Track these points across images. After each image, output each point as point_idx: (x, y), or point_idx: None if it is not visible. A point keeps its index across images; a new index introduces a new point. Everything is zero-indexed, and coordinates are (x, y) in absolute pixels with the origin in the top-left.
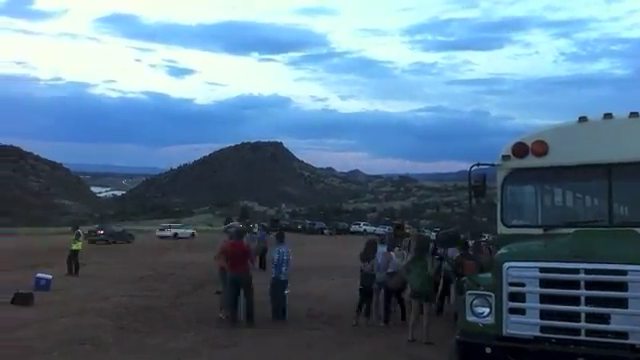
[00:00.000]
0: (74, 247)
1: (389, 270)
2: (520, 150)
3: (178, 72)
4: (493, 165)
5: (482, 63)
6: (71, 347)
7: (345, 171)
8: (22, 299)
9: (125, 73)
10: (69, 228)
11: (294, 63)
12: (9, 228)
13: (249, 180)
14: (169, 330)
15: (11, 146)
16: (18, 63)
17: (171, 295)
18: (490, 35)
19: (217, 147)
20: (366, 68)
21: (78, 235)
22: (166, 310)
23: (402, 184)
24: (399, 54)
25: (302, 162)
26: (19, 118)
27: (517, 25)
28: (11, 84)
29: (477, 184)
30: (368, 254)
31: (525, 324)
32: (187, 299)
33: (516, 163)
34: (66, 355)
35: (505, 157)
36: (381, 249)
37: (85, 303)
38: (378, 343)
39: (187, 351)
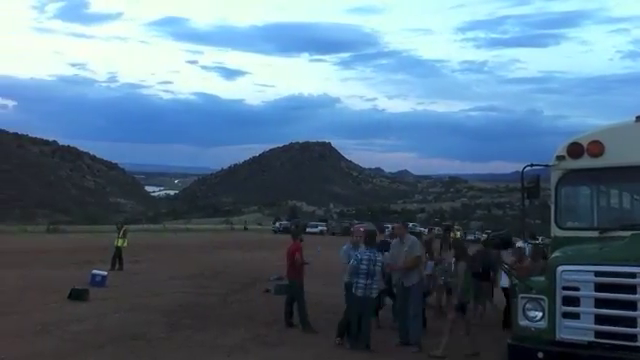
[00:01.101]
0: (119, 244)
1: (427, 272)
2: (575, 150)
3: (229, 73)
4: (547, 166)
5: (535, 61)
6: (124, 342)
7: (393, 171)
8: (78, 294)
9: (178, 75)
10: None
11: (343, 63)
12: (67, 225)
13: (298, 180)
14: (219, 327)
15: (69, 146)
16: (73, 65)
17: (221, 293)
18: (545, 32)
19: (266, 147)
20: (415, 67)
21: (124, 232)
22: (216, 307)
23: (452, 185)
24: (449, 53)
25: (350, 162)
26: (76, 119)
27: (573, 22)
28: (68, 86)
29: (530, 185)
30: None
31: (579, 329)
32: (237, 297)
33: (571, 164)
34: (119, 350)
35: (559, 158)
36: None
37: (138, 299)
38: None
39: (236, 348)
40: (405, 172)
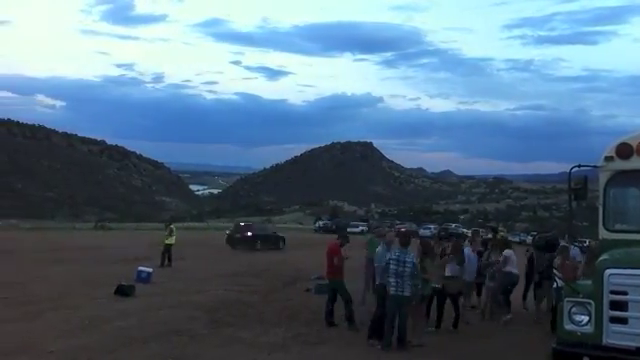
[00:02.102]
0: (167, 241)
1: (447, 274)
2: (624, 151)
3: (272, 74)
4: (595, 167)
5: (583, 59)
6: (168, 337)
7: (436, 171)
8: (124, 290)
9: (222, 75)
10: (164, 224)
11: (386, 62)
12: (114, 223)
13: (339, 180)
14: (260, 325)
15: (116, 146)
16: (119, 66)
17: (262, 291)
18: (596, 29)
19: (308, 147)
20: (459, 66)
21: (171, 230)
22: (257, 305)
23: (496, 185)
24: (494, 51)
25: (392, 162)
26: (123, 119)
27: (623, 18)
28: (115, 87)
29: (578, 186)
30: (459, 256)
31: (627, 334)
32: (278, 295)
33: (620, 164)
34: (163, 345)
35: (608, 158)
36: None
37: (182, 296)
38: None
39: (277, 346)
40: (448, 172)
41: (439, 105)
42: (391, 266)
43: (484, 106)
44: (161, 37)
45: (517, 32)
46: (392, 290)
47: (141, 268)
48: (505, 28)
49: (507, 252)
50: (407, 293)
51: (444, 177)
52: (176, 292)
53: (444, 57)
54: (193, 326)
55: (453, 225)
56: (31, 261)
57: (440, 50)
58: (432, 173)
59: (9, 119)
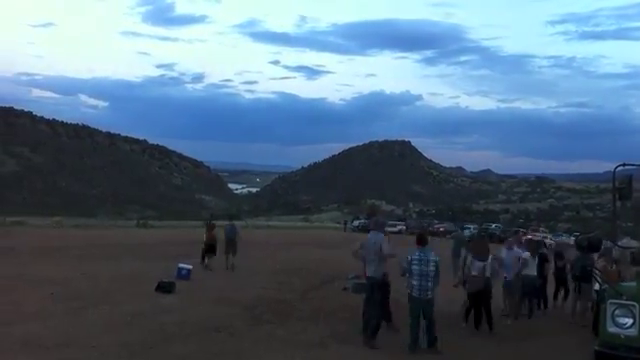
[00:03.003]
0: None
1: (472, 273)
2: None
3: (311, 73)
4: None
5: (628, 56)
6: (207, 334)
7: (475, 170)
8: (165, 287)
9: (260, 75)
10: (203, 221)
11: (426, 60)
12: (155, 221)
13: (377, 179)
14: (298, 323)
15: (158, 145)
16: (160, 67)
17: (301, 289)
18: None
19: (346, 146)
20: (499, 63)
21: (212, 228)
22: (296, 303)
23: (538, 185)
24: (536, 48)
25: (430, 161)
26: (164, 118)
27: None
28: (155, 87)
29: (622, 186)
30: (484, 253)
31: None
32: (316, 294)
33: None
34: (203, 341)
35: None
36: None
37: (221, 293)
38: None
39: (315, 344)
40: (488, 171)
41: (479, 103)
42: (414, 266)
43: (525, 104)
44: (200, 38)
45: (560, 28)
46: (415, 293)
47: (181, 265)
48: (548, 24)
49: (525, 254)
50: (430, 295)
51: (484, 176)
52: (215, 289)
53: (484, 54)
54: (232, 323)
55: (493, 225)
56: (76, 258)
57: (480, 47)
58: (472, 172)
59: (54, 119)
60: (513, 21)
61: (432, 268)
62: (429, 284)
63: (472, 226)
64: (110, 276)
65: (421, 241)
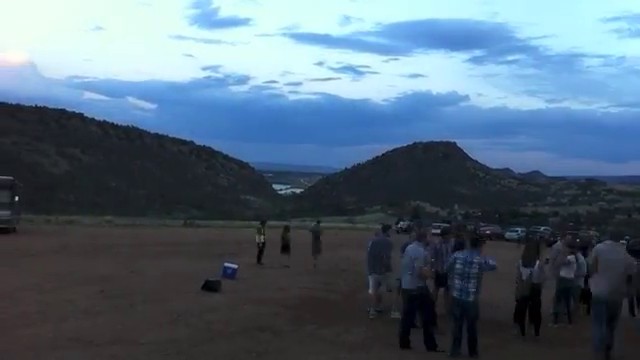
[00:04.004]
0: (258, 240)
1: (522, 278)
2: None
3: (355, 73)
4: None
5: None
6: (252, 333)
7: (523, 172)
8: (211, 286)
9: (305, 76)
10: (253, 221)
11: (473, 60)
12: (201, 220)
13: (421, 180)
14: (342, 323)
15: (204, 146)
16: (206, 69)
17: (344, 290)
18: None
19: (390, 147)
20: (548, 63)
21: (264, 229)
22: (339, 304)
23: (589, 187)
24: (586, 46)
25: (476, 162)
26: (210, 120)
27: None
28: (202, 89)
29: None
30: (530, 258)
31: None
32: (359, 295)
33: None
34: (248, 340)
35: None
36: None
37: (266, 292)
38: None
39: (358, 345)
40: (536, 173)
41: (527, 103)
42: (457, 266)
43: (574, 104)
44: (245, 40)
45: (613, 25)
46: (456, 293)
47: (227, 264)
48: (600, 22)
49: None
50: (471, 298)
51: (532, 178)
52: (260, 289)
53: (532, 53)
54: (276, 322)
55: (542, 228)
56: (125, 256)
57: (529, 46)
58: (519, 174)
59: (104, 120)
60: (562, 19)
61: (475, 270)
62: (470, 285)
63: (520, 229)
64: (158, 274)
65: (474, 244)
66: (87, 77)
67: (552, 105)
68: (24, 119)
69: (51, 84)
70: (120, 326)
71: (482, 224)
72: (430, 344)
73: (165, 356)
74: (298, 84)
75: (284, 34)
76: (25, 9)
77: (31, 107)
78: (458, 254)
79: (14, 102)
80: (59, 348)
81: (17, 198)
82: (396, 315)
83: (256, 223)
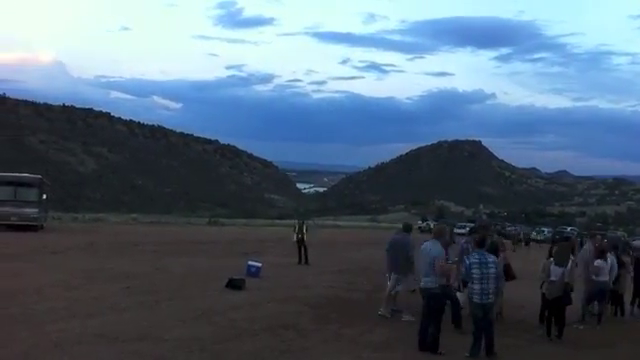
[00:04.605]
0: (295, 239)
1: (551, 278)
2: None
3: (380, 72)
4: None
5: None
6: (275, 331)
7: (550, 171)
8: (235, 284)
9: (329, 75)
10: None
11: (500, 58)
12: (226, 219)
13: (446, 179)
14: (365, 323)
15: (228, 145)
16: (230, 68)
17: (368, 289)
18: None
19: (414, 146)
20: (575, 61)
21: (298, 228)
22: (363, 303)
23: (617, 187)
24: (615, 44)
25: (502, 161)
26: (234, 119)
27: None
28: (226, 88)
29: None
30: (564, 258)
31: None
32: (382, 294)
33: None
34: (271, 338)
35: None
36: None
37: (289, 291)
38: None
39: (382, 345)
40: (563, 172)
41: (554, 101)
42: (474, 270)
43: (602, 102)
44: (269, 39)
45: None
46: (476, 298)
47: (251, 262)
48: (629, 19)
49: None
50: (492, 299)
51: (559, 177)
52: (284, 287)
53: (560, 51)
54: (300, 321)
55: (568, 228)
56: (150, 253)
57: (556, 44)
58: (546, 173)
59: (131, 120)
60: (589, 17)
61: (492, 270)
62: (490, 286)
63: (546, 229)
64: (183, 272)
65: (480, 244)
66: (113, 77)
67: (579, 104)
68: (52, 118)
69: (79, 83)
70: (145, 323)
71: (508, 224)
72: (430, 345)
73: (189, 353)
74: (322, 83)
75: (307, 33)
76: (54, 10)
77: (59, 106)
78: (472, 258)
79: (42, 101)
80: (85, 344)
81: (45, 196)
82: (407, 318)
83: (292, 222)
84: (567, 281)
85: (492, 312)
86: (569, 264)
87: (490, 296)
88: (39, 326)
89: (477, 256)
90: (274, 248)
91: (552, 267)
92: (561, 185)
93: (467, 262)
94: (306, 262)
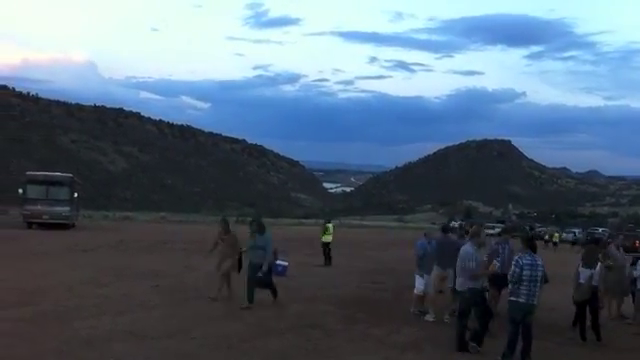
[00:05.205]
0: (324, 239)
1: (579, 280)
2: None
3: (408, 71)
4: None
5: None
6: (303, 330)
7: (581, 171)
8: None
9: (356, 74)
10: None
11: (530, 56)
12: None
13: (474, 179)
14: (392, 323)
15: (256, 144)
16: (256, 68)
17: (395, 289)
18: None
19: (442, 145)
20: (607, 59)
21: (327, 229)
22: (390, 303)
23: None
24: None
25: (532, 161)
26: (261, 119)
27: None
28: (254, 88)
29: None
30: (592, 259)
31: None
32: (410, 295)
33: None
34: (298, 337)
35: None
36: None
37: (316, 291)
38: None
39: (409, 345)
40: (595, 172)
41: (585, 100)
42: (525, 272)
43: (633, 101)
44: (296, 39)
45: None
46: (523, 299)
47: (278, 262)
48: None
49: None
50: (536, 302)
51: (590, 177)
52: (310, 287)
53: (591, 49)
54: (327, 321)
55: (600, 230)
56: (179, 251)
57: (587, 42)
58: (577, 173)
59: (160, 120)
60: (620, 14)
61: (540, 272)
62: (537, 289)
63: (577, 230)
64: (211, 270)
65: (532, 246)
66: (143, 77)
67: (610, 102)
68: (83, 118)
69: (109, 84)
70: (174, 320)
71: (538, 225)
72: (476, 337)
73: (216, 350)
74: (349, 82)
75: (333, 32)
76: (86, 12)
77: (90, 106)
78: (524, 259)
79: (74, 101)
80: (114, 340)
81: (76, 195)
82: (430, 318)
83: (320, 221)
84: (595, 284)
85: (533, 315)
86: (597, 266)
87: (536, 299)
88: (70, 323)
89: (529, 257)
90: (300, 248)
91: (580, 269)
92: (592, 185)
93: (520, 263)
94: (329, 263)
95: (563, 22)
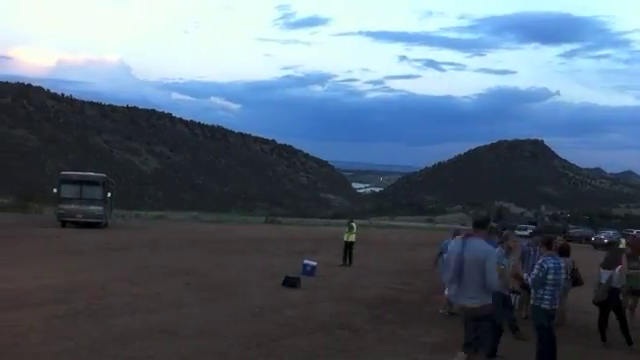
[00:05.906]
0: (349, 239)
1: (600, 281)
2: None
3: (438, 70)
4: None
5: None
6: (331, 330)
7: (616, 172)
8: (291, 282)
9: (386, 74)
10: (331, 219)
11: (565, 55)
12: (282, 217)
13: (505, 180)
14: (421, 324)
15: (285, 145)
16: (285, 68)
17: (424, 290)
18: None
19: (473, 145)
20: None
21: (352, 228)
22: (419, 304)
23: None
24: None
25: (565, 161)
26: (290, 119)
27: None
28: (283, 88)
29: None
30: (612, 261)
31: None
32: (438, 296)
33: None
34: (326, 337)
35: None
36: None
37: (345, 291)
38: None
39: (438, 347)
40: (630, 173)
41: (618, 99)
42: (550, 276)
43: None
44: (325, 39)
45: None
46: (547, 304)
47: (306, 261)
48: None
49: None
50: (559, 305)
51: (625, 178)
52: (339, 287)
53: (625, 48)
54: (355, 321)
55: (634, 231)
56: (210, 251)
57: (621, 41)
58: (611, 174)
59: (191, 120)
60: None
61: (563, 275)
62: (560, 293)
63: (612, 232)
64: (241, 269)
65: (560, 249)
66: (174, 79)
67: None
68: (117, 119)
69: (142, 85)
70: (204, 319)
71: (571, 226)
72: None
73: (246, 349)
74: (378, 82)
75: (362, 32)
76: (120, 14)
77: (123, 107)
78: (548, 263)
79: (107, 102)
80: (146, 338)
81: (109, 194)
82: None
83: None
84: (614, 285)
85: (553, 320)
86: (617, 267)
87: (558, 301)
88: (103, 320)
89: (553, 260)
90: (329, 248)
91: (602, 271)
92: (627, 186)
93: (544, 267)
94: (350, 263)
95: (596, 20)
